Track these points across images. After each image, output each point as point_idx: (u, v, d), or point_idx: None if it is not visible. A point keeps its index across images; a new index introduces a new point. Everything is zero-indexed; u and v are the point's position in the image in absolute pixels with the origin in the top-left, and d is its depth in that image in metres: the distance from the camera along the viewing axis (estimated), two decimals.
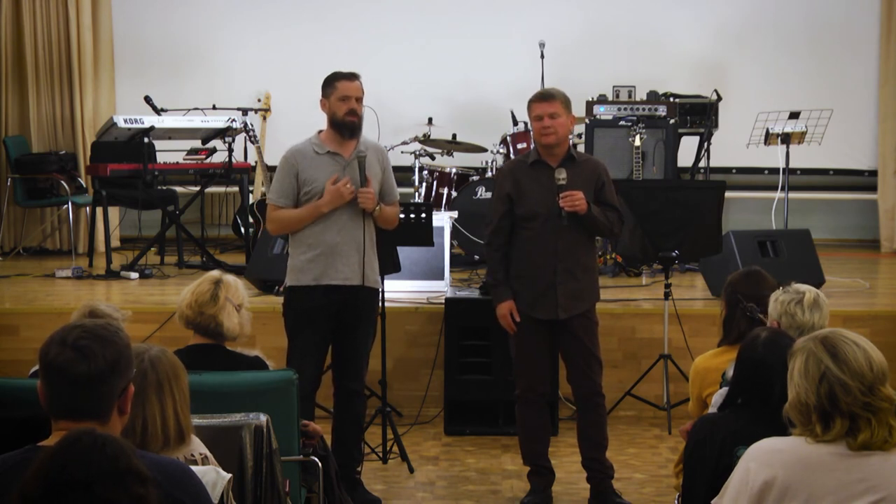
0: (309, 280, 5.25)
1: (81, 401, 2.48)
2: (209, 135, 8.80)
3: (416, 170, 9.20)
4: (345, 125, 5.26)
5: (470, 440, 6.54)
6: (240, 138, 9.18)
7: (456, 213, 8.31)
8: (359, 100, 5.30)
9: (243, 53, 10.37)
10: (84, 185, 9.62)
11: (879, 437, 2.79)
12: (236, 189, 9.27)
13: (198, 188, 9.08)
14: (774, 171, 9.50)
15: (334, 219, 5.23)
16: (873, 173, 10.42)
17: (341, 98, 5.25)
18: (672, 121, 9.20)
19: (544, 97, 5.33)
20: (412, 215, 6.25)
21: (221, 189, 9.71)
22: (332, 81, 5.31)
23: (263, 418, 3.55)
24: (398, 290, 7.11)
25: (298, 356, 5.24)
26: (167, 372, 3.02)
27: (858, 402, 2.79)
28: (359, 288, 5.26)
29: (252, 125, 8.83)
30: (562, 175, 5.23)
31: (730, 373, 3.72)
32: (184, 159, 8.88)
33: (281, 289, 5.78)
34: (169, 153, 9.00)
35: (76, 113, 9.93)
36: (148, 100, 9.14)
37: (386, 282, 5.85)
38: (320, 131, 5.36)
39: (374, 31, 10.36)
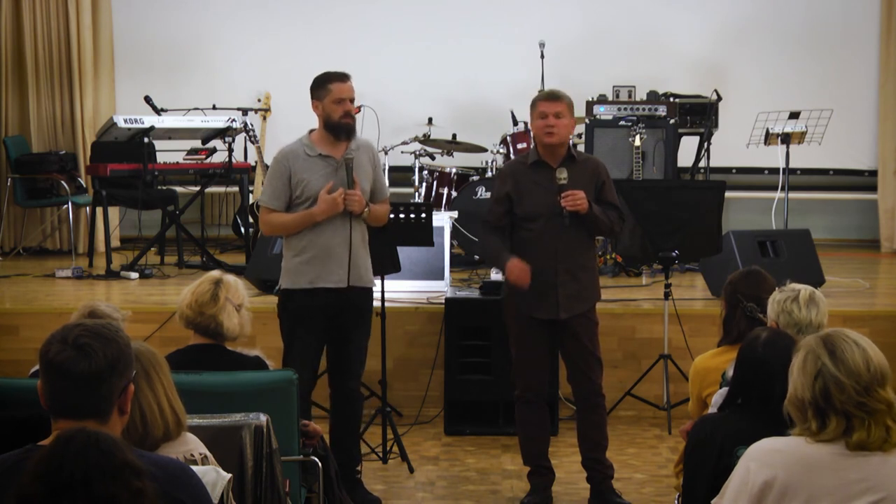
0: (304, 283, 5.22)
1: (82, 399, 2.48)
2: (209, 135, 8.79)
3: (416, 170, 9.20)
4: (341, 128, 5.21)
5: (470, 440, 6.54)
6: (240, 138, 9.18)
7: (456, 213, 8.30)
8: (352, 100, 5.25)
9: (243, 53, 10.37)
10: (84, 185, 9.62)
11: (876, 438, 2.79)
12: (236, 189, 9.27)
13: (198, 188, 9.08)
14: (774, 171, 9.50)
15: (326, 221, 5.19)
16: (873, 173, 10.41)
17: (336, 101, 5.19)
18: (672, 121, 9.20)
19: (551, 96, 5.33)
20: (412, 215, 6.25)
21: (221, 189, 9.70)
22: (324, 83, 5.23)
23: (263, 418, 3.55)
24: (398, 290, 7.10)
25: (295, 358, 5.22)
26: (150, 360, 3.04)
27: (852, 400, 2.79)
28: (351, 288, 5.23)
29: (252, 125, 8.83)
30: (563, 175, 5.23)
31: (730, 373, 3.72)
32: (184, 159, 8.88)
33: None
34: (169, 153, 9.00)
35: (76, 113, 9.92)
36: (148, 100, 9.14)
37: (386, 282, 5.85)
38: (311, 131, 5.30)
39: (374, 32, 10.36)
